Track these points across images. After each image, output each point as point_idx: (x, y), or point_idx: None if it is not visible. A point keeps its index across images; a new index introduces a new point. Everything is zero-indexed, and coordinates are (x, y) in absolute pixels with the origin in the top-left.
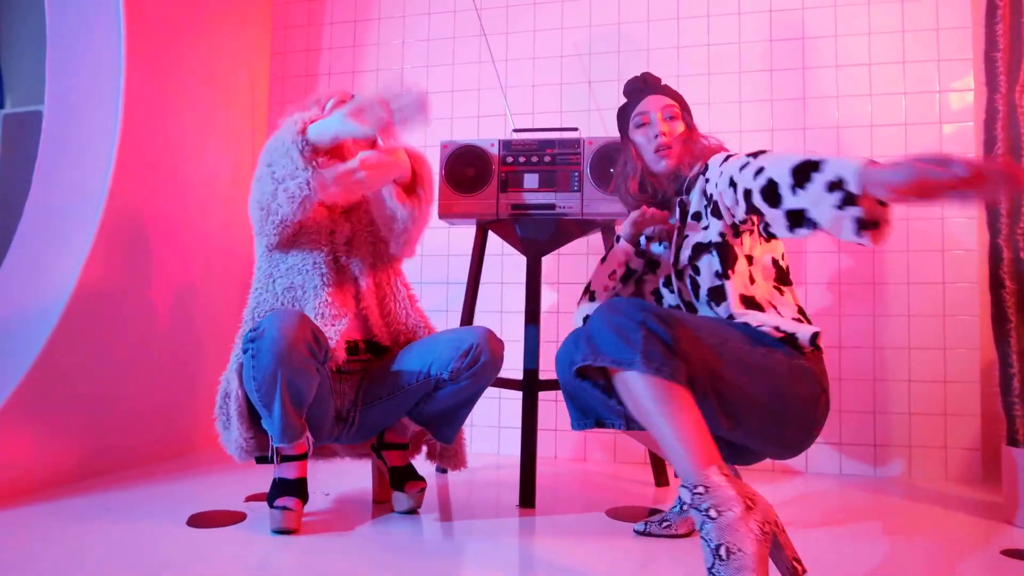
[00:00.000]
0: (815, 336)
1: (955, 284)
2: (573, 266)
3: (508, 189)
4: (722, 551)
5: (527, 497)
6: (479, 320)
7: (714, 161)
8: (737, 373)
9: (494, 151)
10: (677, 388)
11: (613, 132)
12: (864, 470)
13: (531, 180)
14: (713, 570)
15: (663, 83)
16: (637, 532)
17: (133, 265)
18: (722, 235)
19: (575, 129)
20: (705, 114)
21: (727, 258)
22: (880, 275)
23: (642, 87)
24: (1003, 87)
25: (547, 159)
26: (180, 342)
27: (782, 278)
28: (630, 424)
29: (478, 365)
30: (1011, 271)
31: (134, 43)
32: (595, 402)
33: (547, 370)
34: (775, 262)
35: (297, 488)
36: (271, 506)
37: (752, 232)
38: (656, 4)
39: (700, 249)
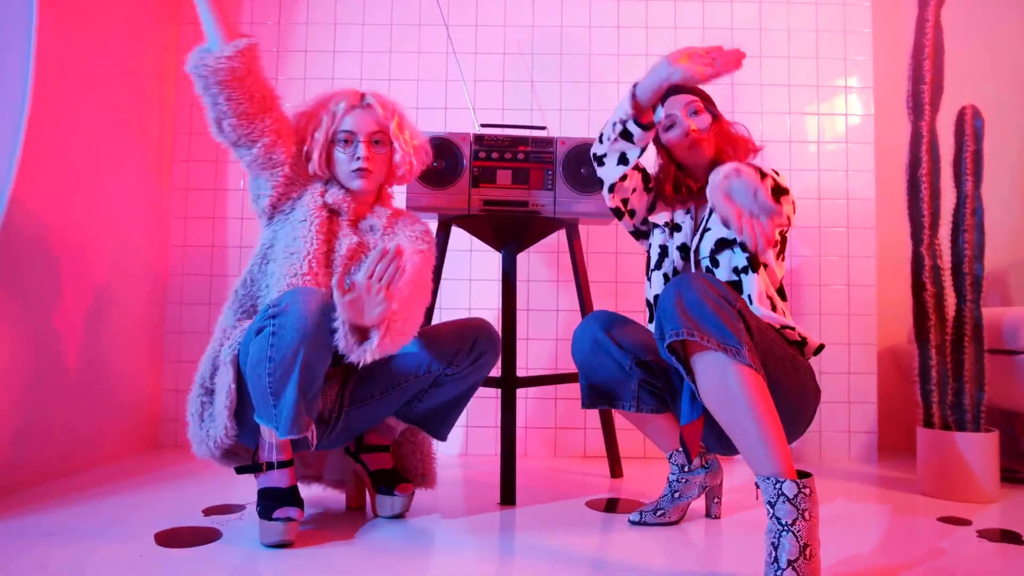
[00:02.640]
0: (820, 348)
1: (857, 287)
2: (537, 263)
3: (480, 184)
4: (807, 552)
5: (508, 494)
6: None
7: None
8: (785, 371)
9: (466, 145)
10: (767, 389)
11: (555, 132)
12: None
13: (503, 176)
14: (796, 564)
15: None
16: (632, 522)
17: (38, 267)
18: None
19: (543, 128)
20: None
21: (754, 257)
22: (797, 278)
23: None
24: (927, 115)
25: (520, 156)
26: (92, 346)
27: (782, 293)
28: (640, 407)
29: (483, 356)
30: (931, 276)
31: (45, 31)
32: (612, 384)
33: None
34: (780, 280)
35: (293, 497)
36: (268, 518)
37: (776, 244)
38: (598, 11)
39: (723, 244)
